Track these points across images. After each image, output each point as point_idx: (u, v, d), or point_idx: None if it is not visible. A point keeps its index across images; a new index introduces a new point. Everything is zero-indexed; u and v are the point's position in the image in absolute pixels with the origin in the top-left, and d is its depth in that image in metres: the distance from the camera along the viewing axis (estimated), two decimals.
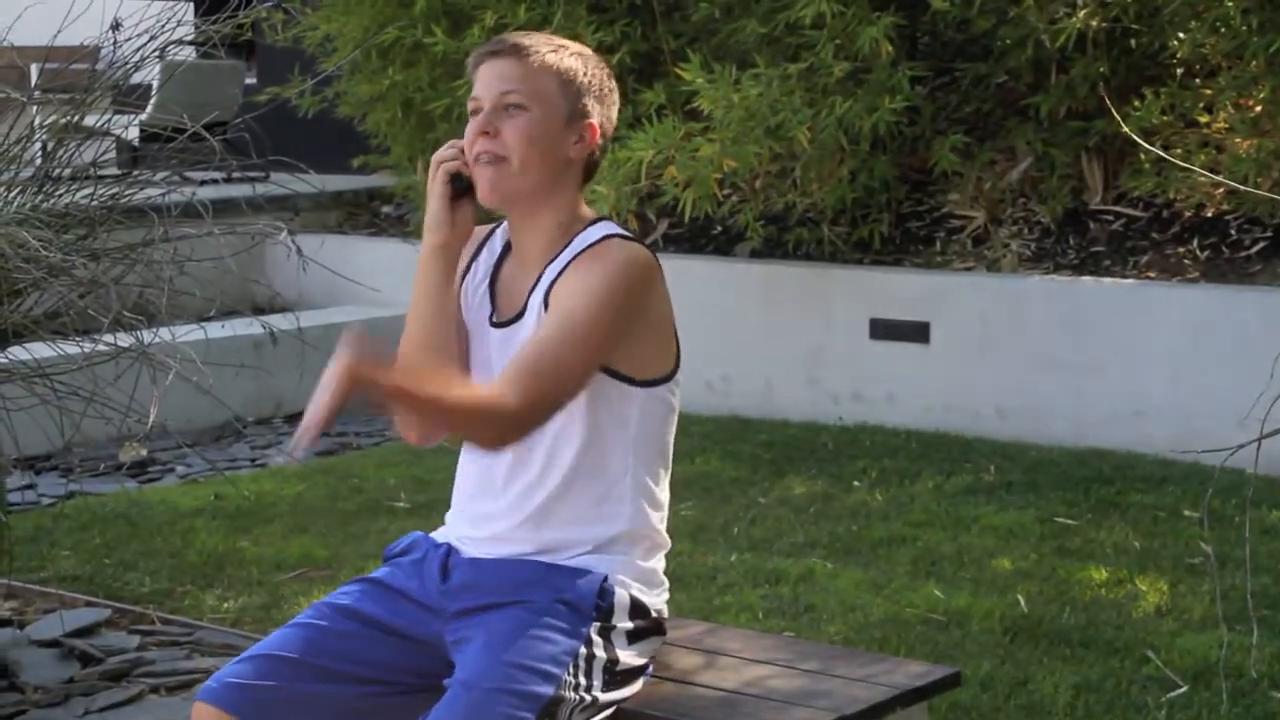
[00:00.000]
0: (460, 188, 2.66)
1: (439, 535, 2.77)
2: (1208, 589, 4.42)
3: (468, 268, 2.76)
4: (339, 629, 2.61)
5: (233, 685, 2.53)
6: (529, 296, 2.66)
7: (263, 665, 2.55)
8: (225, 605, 4.57)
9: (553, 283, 2.62)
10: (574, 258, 2.62)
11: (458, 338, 2.72)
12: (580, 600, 2.57)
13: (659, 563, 2.74)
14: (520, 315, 2.67)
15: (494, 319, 2.71)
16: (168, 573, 4.86)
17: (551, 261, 2.65)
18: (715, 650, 2.89)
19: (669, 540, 2.76)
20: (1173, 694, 3.75)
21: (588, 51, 2.71)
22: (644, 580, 2.69)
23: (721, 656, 2.86)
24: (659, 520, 2.72)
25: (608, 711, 2.59)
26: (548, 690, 2.46)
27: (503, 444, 2.57)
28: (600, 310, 2.55)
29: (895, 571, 4.72)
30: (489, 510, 2.69)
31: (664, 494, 2.74)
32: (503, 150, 2.60)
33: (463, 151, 2.65)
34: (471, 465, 2.74)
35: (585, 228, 2.67)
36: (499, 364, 2.64)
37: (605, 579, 2.61)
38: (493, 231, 2.79)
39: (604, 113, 2.69)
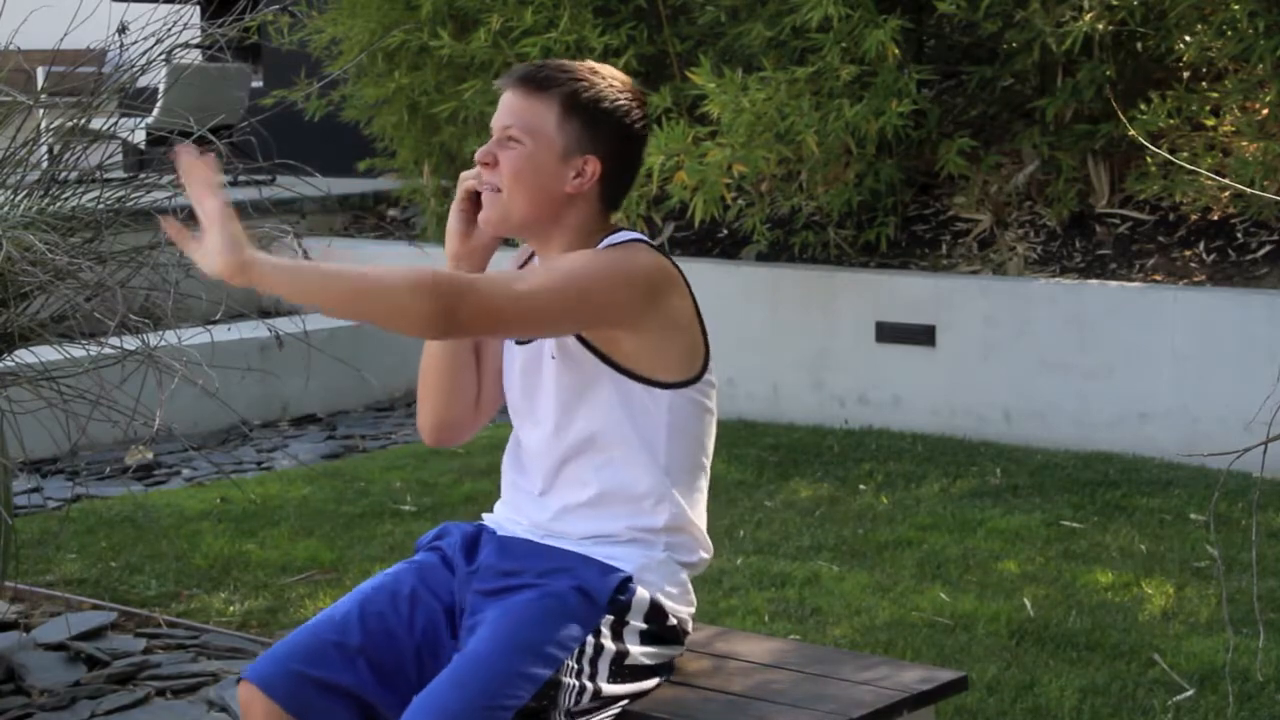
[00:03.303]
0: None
1: (484, 519, 2.81)
2: (1214, 592, 4.42)
3: None
4: (377, 610, 2.64)
5: (279, 667, 2.56)
6: None
7: (312, 647, 2.58)
8: (231, 608, 4.57)
9: None
10: None
11: (481, 363, 2.77)
12: (597, 593, 2.59)
13: (698, 563, 2.76)
14: None
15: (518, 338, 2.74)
16: (174, 576, 4.86)
17: None
18: (721, 653, 2.89)
19: (710, 542, 2.78)
20: (1179, 697, 3.75)
21: (617, 83, 2.67)
22: (673, 586, 2.71)
23: (728, 660, 2.86)
24: (699, 516, 2.75)
25: (615, 708, 2.60)
26: (545, 672, 2.50)
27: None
28: (602, 270, 2.55)
29: (901, 575, 4.72)
30: (530, 499, 2.73)
31: (703, 491, 2.76)
32: (497, 182, 2.63)
33: None
34: (516, 461, 2.78)
35: (607, 236, 2.68)
36: (523, 380, 2.71)
37: (630, 578, 2.63)
38: (533, 254, 2.80)
39: (616, 148, 2.65)
